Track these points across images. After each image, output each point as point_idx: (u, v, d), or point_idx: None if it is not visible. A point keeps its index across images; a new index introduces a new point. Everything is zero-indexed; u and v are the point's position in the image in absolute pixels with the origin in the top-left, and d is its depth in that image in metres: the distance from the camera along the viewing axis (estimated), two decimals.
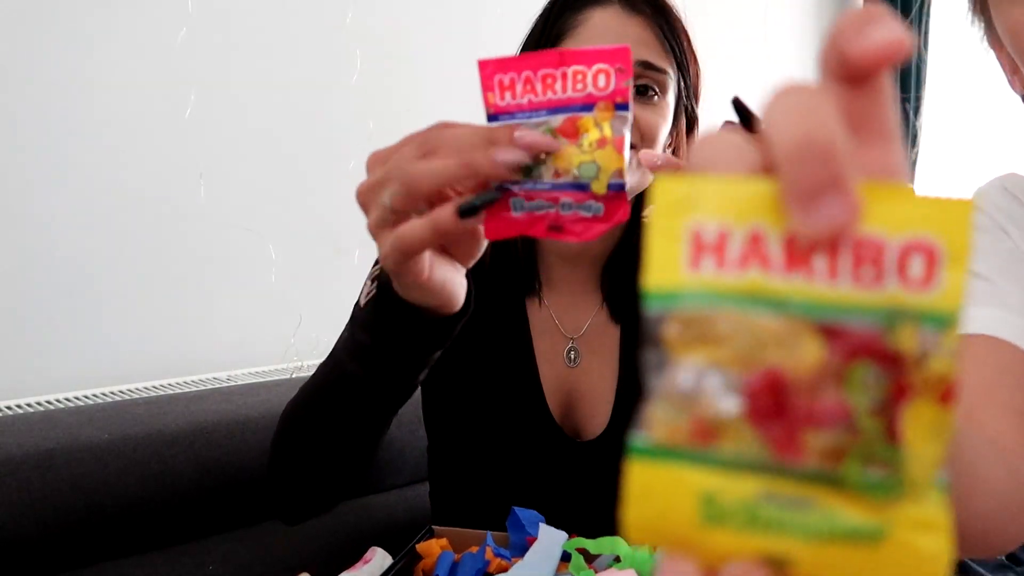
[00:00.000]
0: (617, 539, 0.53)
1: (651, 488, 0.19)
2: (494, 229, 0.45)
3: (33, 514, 0.78)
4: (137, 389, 1.24)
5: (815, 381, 0.19)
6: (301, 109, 1.48)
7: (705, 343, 0.19)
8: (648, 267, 0.20)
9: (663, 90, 0.76)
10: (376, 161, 0.46)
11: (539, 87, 0.43)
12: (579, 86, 0.43)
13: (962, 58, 3.11)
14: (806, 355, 0.19)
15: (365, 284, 0.58)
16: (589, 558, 0.54)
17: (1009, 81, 0.69)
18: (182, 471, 0.88)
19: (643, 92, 0.75)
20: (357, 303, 0.59)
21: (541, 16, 0.80)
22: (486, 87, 0.44)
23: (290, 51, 1.46)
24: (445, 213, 0.43)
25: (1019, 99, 0.72)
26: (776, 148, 0.19)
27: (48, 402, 1.15)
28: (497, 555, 0.55)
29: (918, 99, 2.93)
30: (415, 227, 0.43)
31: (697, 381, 0.19)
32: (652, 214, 0.21)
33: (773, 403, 0.19)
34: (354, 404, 0.59)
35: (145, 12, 1.28)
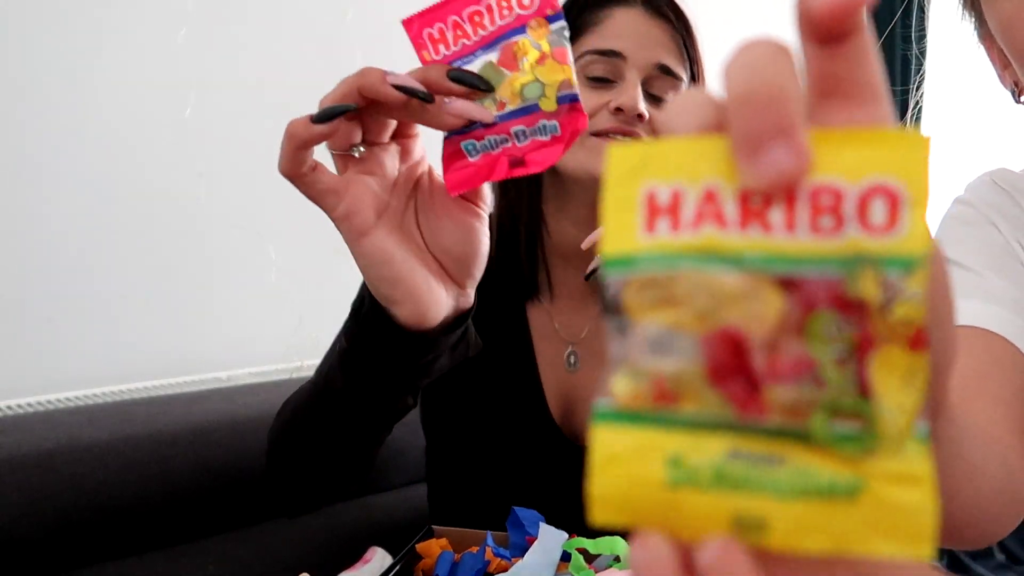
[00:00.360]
0: (616, 539, 0.53)
1: (616, 454, 0.19)
2: (455, 181, 0.44)
3: (33, 514, 0.78)
4: (137, 389, 1.24)
5: (776, 335, 0.18)
6: (301, 109, 1.47)
7: (664, 305, 0.19)
8: (604, 236, 0.20)
9: (678, 88, 0.77)
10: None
11: (469, 28, 0.42)
12: (505, 12, 0.41)
13: (959, 55, 3.11)
14: (766, 309, 0.18)
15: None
16: (589, 558, 0.54)
17: (1000, 76, 0.69)
18: (182, 471, 0.88)
19: (661, 98, 0.76)
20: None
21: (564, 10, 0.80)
22: (418, 45, 0.43)
23: (290, 51, 1.46)
24: (300, 120, 0.44)
25: (1010, 94, 0.73)
26: (727, 100, 0.19)
27: (48, 402, 1.15)
28: (497, 555, 0.55)
29: (917, 98, 2.92)
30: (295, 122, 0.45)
31: (657, 343, 0.19)
32: (606, 182, 0.20)
33: (733, 360, 0.18)
34: (339, 415, 0.57)
35: (145, 12, 1.28)
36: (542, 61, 0.41)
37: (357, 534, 0.97)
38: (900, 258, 0.18)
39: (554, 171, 0.77)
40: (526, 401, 0.79)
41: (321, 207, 0.46)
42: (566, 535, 0.53)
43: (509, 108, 0.42)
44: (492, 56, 0.42)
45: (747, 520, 0.18)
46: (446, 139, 0.43)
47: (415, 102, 0.41)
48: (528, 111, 0.42)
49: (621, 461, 0.19)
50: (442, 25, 0.42)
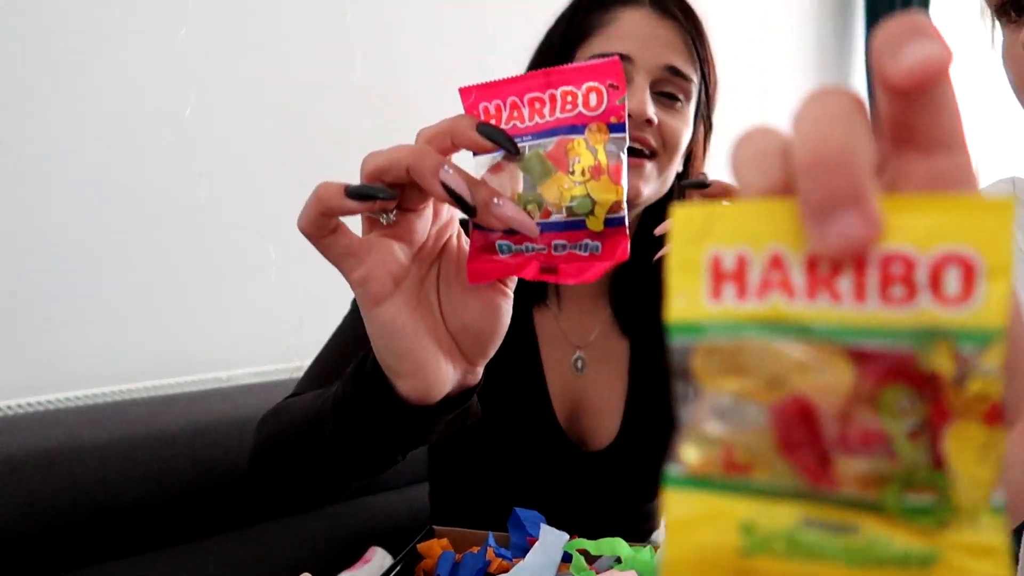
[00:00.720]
0: (618, 540, 0.53)
1: (689, 520, 0.19)
2: (479, 272, 0.41)
3: (33, 514, 0.78)
4: (137, 389, 1.24)
5: (846, 407, 0.18)
6: (301, 109, 1.47)
7: (732, 373, 0.19)
8: (669, 300, 0.20)
9: (687, 97, 0.76)
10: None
11: (526, 112, 0.40)
12: (568, 107, 0.39)
13: (962, 58, 3.11)
14: (835, 381, 0.18)
15: None
16: (590, 559, 0.53)
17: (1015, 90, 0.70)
18: (182, 471, 0.88)
19: (670, 98, 0.75)
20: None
21: (565, 14, 0.78)
22: (466, 105, 0.41)
23: (290, 51, 1.46)
24: (334, 186, 0.39)
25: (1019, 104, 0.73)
26: (797, 160, 0.19)
27: (48, 402, 1.15)
28: (498, 555, 0.55)
29: None
30: (328, 185, 0.40)
31: (725, 410, 0.19)
32: (671, 245, 0.20)
33: (803, 430, 0.19)
34: (324, 454, 0.54)
35: (145, 12, 1.28)
36: (597, 174, 0.39)
37: (357, 534, 0.97)
38: (975, 332, 0.17)
39: None
40: (531, 404, 0.79)
41: (338, 268, 0.42)
42: (567, 536, 0.53)
43: (554, 218, 0.39)
44: (544, 146, 0.39)
45: None
46: (479, 228, 0.41)
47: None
48: (574, 227, 0.39)
49: (694, 527, 0.19)
50: (500, 102, 0.40)
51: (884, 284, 0.18)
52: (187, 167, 1.34)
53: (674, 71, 0.74)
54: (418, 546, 0.58)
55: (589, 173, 0.39)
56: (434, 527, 0.61)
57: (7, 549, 0.76)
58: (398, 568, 0.55)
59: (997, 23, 0.70)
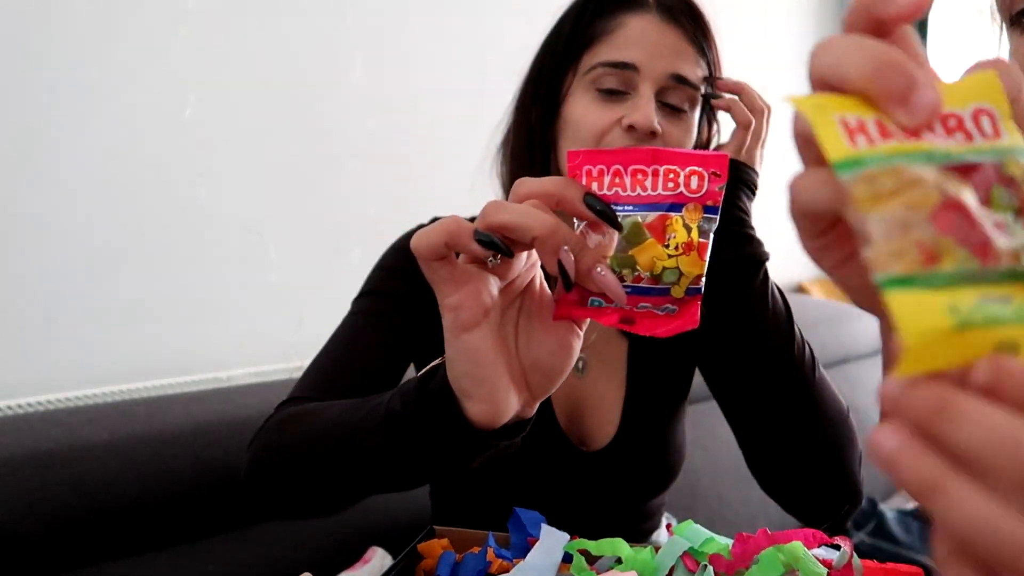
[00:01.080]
0: (618, 540, 0.53)
1: (912, 310, 0.24)
2: (564, 314, 0.45)
3: (33, 514, 0.78)
4: (137, 389, 1.24)
5: (974, 204, 0.26)
6: (301, 109, 1.47)
7: (895, 191, 0.26)
8: (826, 147, 0.27)
9: (693, 105, 0.75)
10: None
11: (628, 181, 0.43)
12: (670, 185, 0.43)
13: (961, 57, 3.10)
14: (962, 187, 0.26)
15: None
16: (591, 559, 0.53)
17: None
18: (182, 471, 0.88)
19: (675, 109, 0.74)
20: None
21: (569, 17, 0.77)
22: (573, 176, 0.44)
23: (290, 51, 1.46)
24: (466, 226, 0.42)
25: None
26: (857, 71, 0.27)
27: (48, 402, 1.15)
28: (499, 556, 0.55)
29: None
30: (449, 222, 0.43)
31: (904, 220, 0.25)
32: (808, 114, 0.27)
33: (965, 224, 0.25)
34: (358, 466, 0.54)
35: (145, 12, 1.28)
36: (688, 251, 0.43)
37: (357, 534, 0.97)
38: (1019, 150, 0.27)
39: None
40: None
41: (435, 290, 0.44)
42: (568, 536, 0.53)
43: (644, 284, 0.43)
44: (643, 218, 0.43)
45: (1005, 344, 0.24)
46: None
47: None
48: (659, 292, 0.43)
49: (918, 315, 0.24)
50: (604, 167, 0.43)
51: (949, 132, 0.27)
52: (187, 167, 1.34)
53: (680, 79, 0.73)
54: (419, 546, 0.58)
55: (682, 248, 0.43)
56: (435, 527, 0.61)
57: (7, 549, 0.76)
58: (398, 568, 0.55)
59: (1005, 30, 0.71)
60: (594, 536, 0.55)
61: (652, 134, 0.71)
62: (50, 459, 0.80)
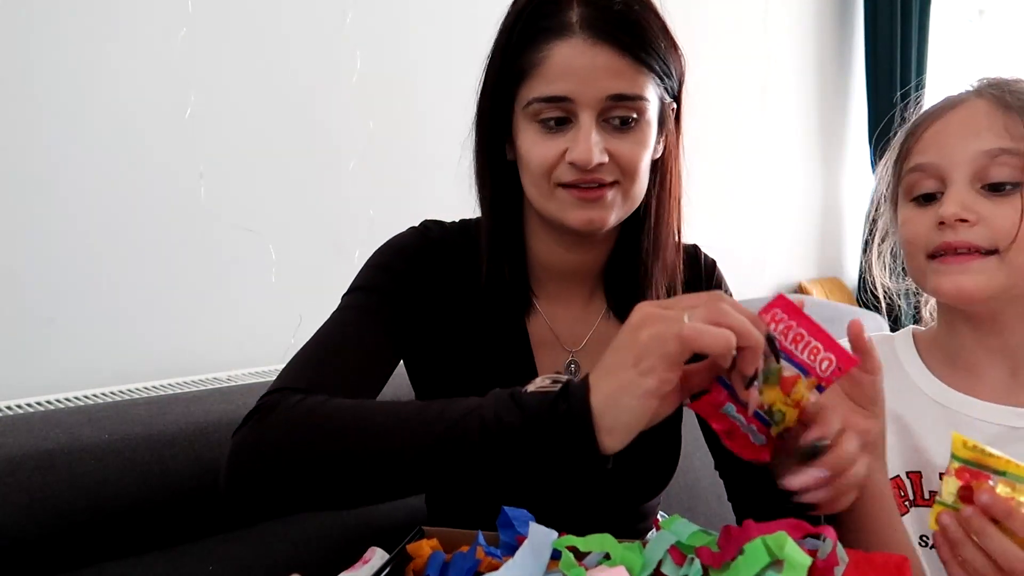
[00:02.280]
0: (606, 536, 0.53)
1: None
2: (699, 406, 0.58)
3: (33, 514, 0.78)
4: (137, 389, 1.24)
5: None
6: (301, 109, 1.48)
7: None
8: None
9: (642, 113, 0.71)
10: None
11: (789, 337, 0.56)
12: (810, 357, 0.56)
13: (961, 58, 3.10)
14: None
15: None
16: (579, 556, 0.53)
17: None
18: (182, 471, 0.88)
19: (622, 123, 0.70)
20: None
21: (498, 49, 0.74)
22: (766, 311, 0.56)
23: (290, 51, 1.46)
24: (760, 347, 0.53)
25: None
26: None
27: (48, 402, 1.15)
28: (488, 554, 0.55)
29: (918, 97, 2.92)
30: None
31: None
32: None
33: None
34: (441, 465, 0.57)
35: (145, 12, 1.28)
36: (796, 406, 0.56)
37: (357, 534, 0.97)
38: None
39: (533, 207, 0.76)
40: None
41: (664, 367, 0.53)
42: (556, 533, 0.53)
43: (761, 412, 0.56)
44: (784, 368, 0.56)
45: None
46: (724, 391, 0.57)
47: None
48: (763, 423, 0.57)
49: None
50: (784, 319, 0.56)
51: None
52: (187, 167, 1.34)
53: (620, 97, 0.68)
54: (408, 547, 0.58)
55: (792, 403, 0.56)
56: (424, 528, 0.61)
57: (7, 549, 0.76)
58: (388, 569, 0.55)
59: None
60: (582, 530, 0.55)
61: (598, 164, 0.69)
62: (50, 459, 0.80)
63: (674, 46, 0.73)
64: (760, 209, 2.72)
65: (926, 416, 0.80)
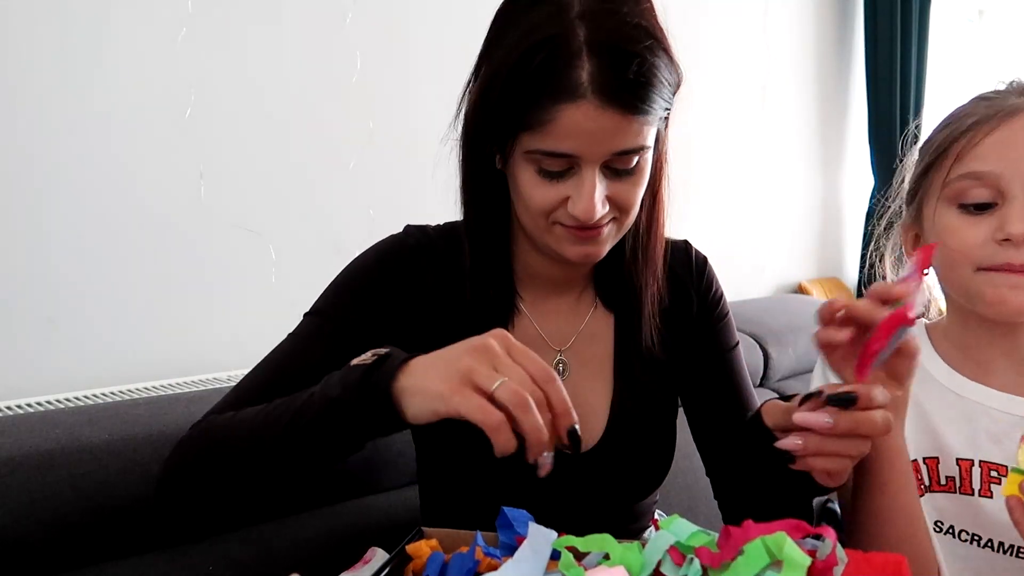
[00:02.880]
0: (606, 536, 0.53)
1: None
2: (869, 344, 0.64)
3: (33, 514, 0.78)
4: (137, 389, 1.24)
5: None
6: (301, 109, 1.48)
7: None
8: None
9: (643, 155, 0.70)
10: None
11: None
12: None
13: (961, 58, 3.11)
14: None
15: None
16: (578, 556, 0.53)
17: None
18: None
19: (624, 170, 0.70)
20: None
21: (501, 93, 0.69)
22: (882, 330, 0.62)
23: (290, 51, 1.46)
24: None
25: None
26: None
27: (48, 402, 1.15)
28: (487, 554, 0.55)
29: (918, 99, 2.93)
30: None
31: None
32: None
33: None
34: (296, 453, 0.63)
35: (145, 12, 1.28)
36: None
37: (357, 535, 0.97)
38: None
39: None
40: None
41: None
42: (555, 534, 0.53)
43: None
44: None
45: None
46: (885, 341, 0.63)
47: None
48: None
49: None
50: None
51: None
52: (187, 167, 1.34)
53: (624, 152, 0.68)
54: (407, 547, 0.58)
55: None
56: (423, 528, 0.61)
57: (7, 549, 0.76)
58: (388, 570, 0.55)
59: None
60: (581, 531, 0.55)
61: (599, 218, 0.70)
62: (50, 459, 0.80)
63: (674, 63, 0.70)
64: (760, 209, 2.72)
65: (942, 403, 0.81)
